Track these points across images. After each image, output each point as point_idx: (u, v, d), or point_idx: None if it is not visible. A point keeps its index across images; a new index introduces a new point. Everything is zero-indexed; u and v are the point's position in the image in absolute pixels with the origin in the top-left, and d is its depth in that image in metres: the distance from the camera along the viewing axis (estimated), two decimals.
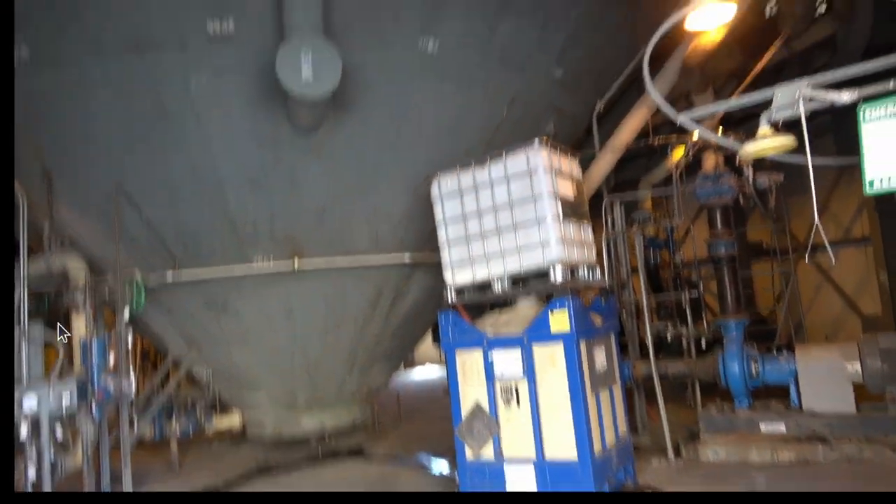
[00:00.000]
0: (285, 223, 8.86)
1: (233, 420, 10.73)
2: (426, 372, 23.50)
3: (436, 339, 18.32)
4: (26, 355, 6.78)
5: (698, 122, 6.63)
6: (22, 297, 6.92)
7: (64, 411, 6.08)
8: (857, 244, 14.34)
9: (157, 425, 9.76)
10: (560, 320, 6.50)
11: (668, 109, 5.87)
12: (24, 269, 7.10)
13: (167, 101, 7.64)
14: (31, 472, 5.93)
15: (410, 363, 26.63)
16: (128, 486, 8.37)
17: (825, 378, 7.79)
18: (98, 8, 7.07)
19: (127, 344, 7.91)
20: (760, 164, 9.43)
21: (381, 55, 7.79)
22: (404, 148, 8.69)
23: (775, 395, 9.15)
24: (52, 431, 6.05)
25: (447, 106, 8.60)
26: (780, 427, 7.88)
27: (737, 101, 5.59)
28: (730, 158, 9.23)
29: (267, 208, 8.67)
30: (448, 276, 7.35)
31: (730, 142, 6.12)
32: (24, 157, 8.21)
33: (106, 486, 8.51)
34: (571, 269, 6.88)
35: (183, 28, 7.20)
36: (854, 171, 14.17)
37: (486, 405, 6.78)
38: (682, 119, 5.75)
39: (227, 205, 8.56)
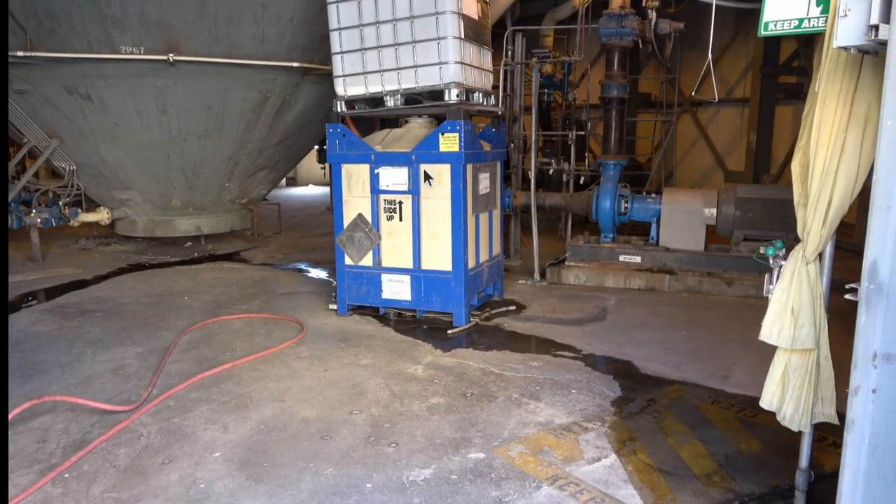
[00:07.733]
0: (159, 7, 7.98)
1: (100, 215, 10.26)
2: (309, 191, 23.31)
3: (321, 159, 17.97)
4: None
5: None
6: None
7: None
8: (735, 104, 15.12)
9: (15, 215, 9.15)
10: (450, 141, 6.49)
11: None
12: None
13: None
14: None
15: (293, 181, 26.23)
16: None
17: (683, 219, 8.48)
18: None
19: None
20: (663, 11, 9.44)
21: None
22: None
23: (637, 233, 9.92)
24: None
25: None
26: (637, 259, 8.63)
27: None
28: (636, 2, 9.14)
29: None
30: (339, 88, 7.01)
31: None
32: None
33: None
34: (467, 93, 6.77)
35: None
36: (749, 32, 14.50)
37: (368, 217, 6.85)
38: None
39: None
